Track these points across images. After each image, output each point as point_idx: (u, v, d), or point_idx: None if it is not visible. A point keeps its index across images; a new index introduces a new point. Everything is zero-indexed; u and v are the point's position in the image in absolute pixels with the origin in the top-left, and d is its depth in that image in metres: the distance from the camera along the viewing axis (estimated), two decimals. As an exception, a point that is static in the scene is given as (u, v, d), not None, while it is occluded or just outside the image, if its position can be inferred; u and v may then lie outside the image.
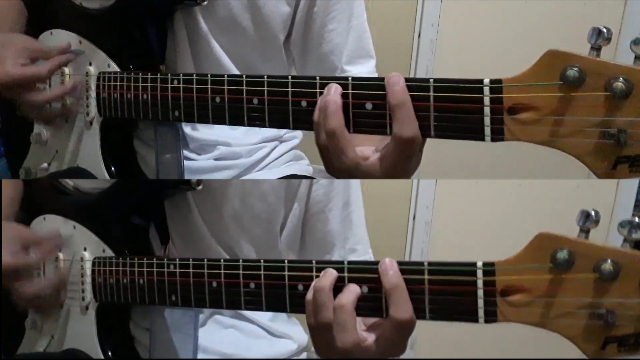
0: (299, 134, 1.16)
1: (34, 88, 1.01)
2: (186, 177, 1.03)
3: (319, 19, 1.05)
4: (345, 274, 0.77)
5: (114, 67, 1.01)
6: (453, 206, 2.37)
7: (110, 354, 1.04)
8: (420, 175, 2.37)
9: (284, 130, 1.13)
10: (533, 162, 2.08)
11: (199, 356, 1.03)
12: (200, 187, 0.97)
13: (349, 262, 0.77)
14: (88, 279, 1.03)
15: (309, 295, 0.77)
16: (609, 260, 0.64)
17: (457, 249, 2.34)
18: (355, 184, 1.11)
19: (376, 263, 0.75)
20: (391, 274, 0.73)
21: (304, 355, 1.13)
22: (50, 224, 1.09)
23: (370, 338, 0.75)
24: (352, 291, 0.75)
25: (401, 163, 0.75)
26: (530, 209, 2.28)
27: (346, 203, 1.10)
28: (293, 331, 1.13)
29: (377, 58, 1.11)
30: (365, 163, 0.76)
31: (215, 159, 1.08)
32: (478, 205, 2.34)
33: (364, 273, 0.76)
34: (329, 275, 0.76)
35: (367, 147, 0.78)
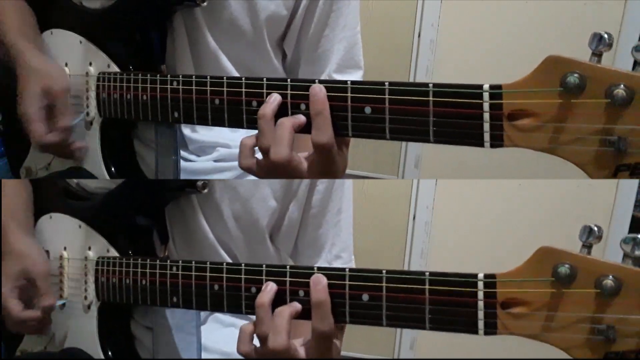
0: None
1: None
2: (185, 178, 1.03)
3: (315, 25, 1.06)
4: (347, 282, 0.78)
5: (114, 68, 1.01)
6: (453, 206, 2.37)
7: (110, 353, 1.04)
8: (420, 175, 2.37)
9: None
10: (533, 162, 2.07)
11: (201, 355, 1.03)
12: (206, 190, 0.97)
13: (351, 270, 0.78)
14: (91, 278, 1.04)
15: (245, 326, 0.83)
16: (611, 276, 0.63)
17: (457, 249, 2.34)
18: (348, 191, 1.12)
19: (380, 271, 0.76)
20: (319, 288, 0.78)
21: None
22: (56, 222, 1.10)
23: (299, 347, 0.80)
24: (292, 305, 0.81)
25: (324, 166, 0.81)
26: (530, 209, 2.28)
27: (339, 210, 1.11)
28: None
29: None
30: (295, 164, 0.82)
31: (215, 161, 1.08)
32: (478, 205, 2.34)
33: (366, 281, 0.77)
34: (270, 291, 0.82)
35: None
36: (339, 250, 1.12)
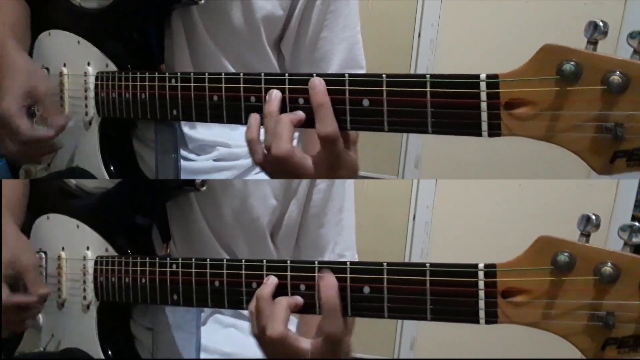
0: (297, 135, 1.16)
1: None
2: (185, 177, 1.03)
3: (312, 26, 1.06)
4: (348, 275, 0.78)
5: (112, 67, 1.01)
6: (453, 206, 2.37)
7: (110, 353, 1.04)
8: (420, 175, 2.37)
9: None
10: (533, 162, 2.08)
11: (200, 355, 1.03)
12: (204, 188, 0.97)
13: (352, 263, 0.78)
14: (90, 278, 1.04)
15: (252, 306, 0.83)
16: (609, 263, 0.64)
17: (457, 249, 2.34)
18: (350, 190, 1.12)
19: (381, 264, 0.76)
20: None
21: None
22: (54, 222, 1.10)
23: (301, 339, 0.80)
24: (293, 297, 0.81)
25: (331, 160, 0.81)
26: (530, 209, 2.28)
27: (340, 209, 1.11)
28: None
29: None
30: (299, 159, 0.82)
31: (215, 160, 1.08)
32: (478, 205, 2.34)
33: (367, 274, 0.77)
34: (270, 284, 0.82)
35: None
36: (342, 249, 1.12)
